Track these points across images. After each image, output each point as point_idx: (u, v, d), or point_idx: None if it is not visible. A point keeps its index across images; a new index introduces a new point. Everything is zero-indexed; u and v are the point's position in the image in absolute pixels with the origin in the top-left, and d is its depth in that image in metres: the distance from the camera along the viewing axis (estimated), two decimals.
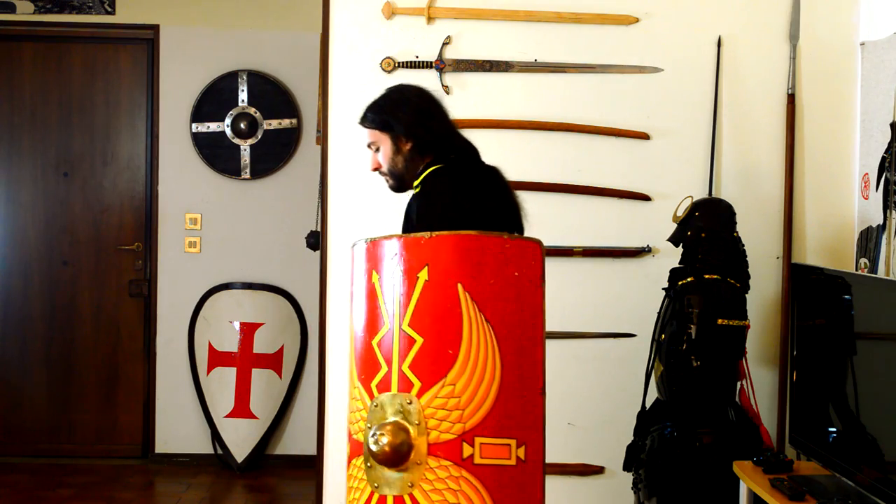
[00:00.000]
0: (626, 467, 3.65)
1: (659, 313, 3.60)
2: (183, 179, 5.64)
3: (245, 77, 5.58)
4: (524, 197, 3.89)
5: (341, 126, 3.94)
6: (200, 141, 5.59)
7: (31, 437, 5.70)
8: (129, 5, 5.59)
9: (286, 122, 5.61)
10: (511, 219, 2.95)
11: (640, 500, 3.59)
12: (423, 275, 2.57)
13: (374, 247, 2.62)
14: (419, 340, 2.57)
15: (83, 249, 5.70)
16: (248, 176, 5.62)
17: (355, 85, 3.94)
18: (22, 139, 5.68)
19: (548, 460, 3.96)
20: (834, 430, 3.30)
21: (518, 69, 3.93)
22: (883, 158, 3.62)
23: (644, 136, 3.94)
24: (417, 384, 2.56)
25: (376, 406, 2.58)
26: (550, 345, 3.93)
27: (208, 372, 5.54)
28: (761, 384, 3.81)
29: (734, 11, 3.94)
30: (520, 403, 2.55)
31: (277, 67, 5.61)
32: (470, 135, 3.91)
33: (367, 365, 2.62)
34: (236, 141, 5.59)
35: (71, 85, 5.68)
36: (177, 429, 5.65)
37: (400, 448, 2.54)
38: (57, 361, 5.69)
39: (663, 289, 3.59)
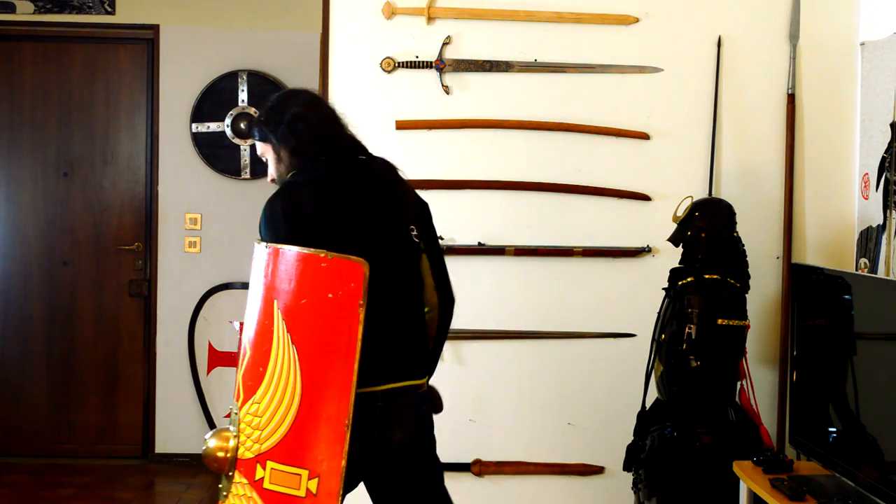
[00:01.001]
0: (626, 467, 3.65)
1: (659, 313, 3.60)
2: (183, 179, 5.63)
3: (245, 77, 5.57)
4: (524, 197, 3.94)
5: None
6: (200, 141, 5.59)
7: (31, 437, 5.70)
8: (129, 5, 5.59)
9: None
10: (386, 227, 2.71)
11: (640, 500, 3.59)
12: (258, 287, 2.53)
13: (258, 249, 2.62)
14: (248, 352, 2.54)
15: (83, 249, 5.70)
16: (248, 176, 5.61)
17: (355, 85, 3.94)
18: (22, 139, 5.68)
19: (548, 460, 4.01)
20: (834, 430, 3.30)
21: (518, 69, 3.93)
22: (883, 158, 3.62)
23: (644, 136, 3.94)
24: (242, 396, 2.53)
25: (231, 409, 2.58)
26: (550, 345, 3.97)
27: (208, 372, 5.53)
28: (761, 384, 3.81)
29: (734, 11, 3.94)
30: (318, 434, 2.42)
31: (277, 67, 5.61)
32: (470, 135, 3.95)
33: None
34: (236, 141, 5.59)
35: (71, 85, 5.68)
36: (177, 429, 5.65)
37: (216, 455, 2.54)
38: (57, 361, 5.69)
39: (663, 289, 3.59)
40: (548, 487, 4.01)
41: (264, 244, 2.57)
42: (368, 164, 2.80)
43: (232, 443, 2.53)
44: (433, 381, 2.94)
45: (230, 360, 5.53)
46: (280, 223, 2.63)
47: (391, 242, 2.69)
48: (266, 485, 2.45)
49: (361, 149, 2.83)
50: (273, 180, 2.84)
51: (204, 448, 2.57)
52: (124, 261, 5.70)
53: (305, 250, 2.46)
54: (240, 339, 2.62)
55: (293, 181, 2.73)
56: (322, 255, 2.43)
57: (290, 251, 2.48)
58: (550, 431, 4.00)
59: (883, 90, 3.65)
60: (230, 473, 2.55)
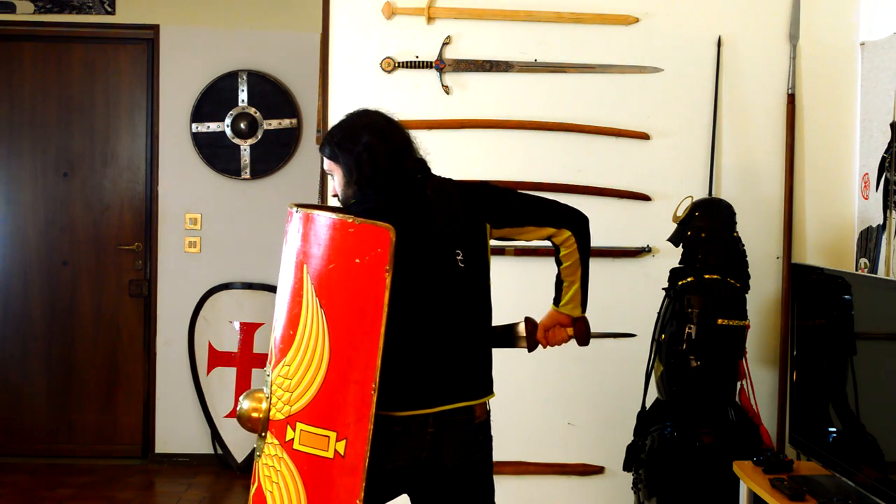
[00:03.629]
0: (626, 467, 3.65)
1: (659, 313, 3.60)
2: (183, 179, 5.64)
3: (245, 77, 5.57)
4: None
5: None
6: (200, 141, 5.60)
7: (31, 437, 5.70)
8: (129, 5, 5.59)
9: (286, 122, 5.61)
10: (429, 255, 2.70)
11: (640, 500, 3.59)
12: (292, 252, 2.58)
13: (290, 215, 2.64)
14: (283, 316, 2.57)
15: (83, 249, 5.70)
16: (248, 176, 5.62)
17: (355, 85, 3.94)
18: (22, 139, 5.68)
19: (548, 460, 4.00)
20: (834, 430, 3.30)
21: (518, 69, 3.93)
22: (883, 158, 3.62)
23: (644, 136, 3.94)
24: (274, 359, 2.57)
25: (266, 370, 2.62)
26: None
27: (208, 372, 5.54)
28: (761, 384, 3.81)
29: (734, 11, 3.94)
30: (345, 397, 2.45)
31: (277, 67, 5.61)
32: (470, 135, 3.95)
33: None
34: (236, 141, 5.59)
35: (71, 85, 5.68)
36: (177, 429, 5.65)
37: (250, 415, 2.57)
38: (57, 361, 5.69)
39: (663, 289, 3.59)
40: (548, 487, 4.00)
41: (296, 208, 2.60)
42: (423, 189, 2.77)
43: (265, 404, 2.56)
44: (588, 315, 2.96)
45: (230, 360, 5.54)
46: None
47: (435, 270, 2.67)
48: (296, 445, 2.49)
49: (423, 169, 2.81)
50: (336, 195, 2.82)
51: (239, 409, 2.61)
52: (124, 261, 5.71)
53: (335, 215, 2.50)
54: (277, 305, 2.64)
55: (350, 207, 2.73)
56: (350, 220, 2.46)
57: (322, 216, 2.51)
58: (550, 431, 4.00)
59: (883, 90, 3.65)
60: (263, 434, 2.58)
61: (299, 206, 2.63)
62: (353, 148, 2.73)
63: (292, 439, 2.49)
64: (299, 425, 2.49)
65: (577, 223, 2.85)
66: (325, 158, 2.83)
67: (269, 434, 2.56)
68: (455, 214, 2.78)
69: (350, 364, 2.45)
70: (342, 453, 2.45)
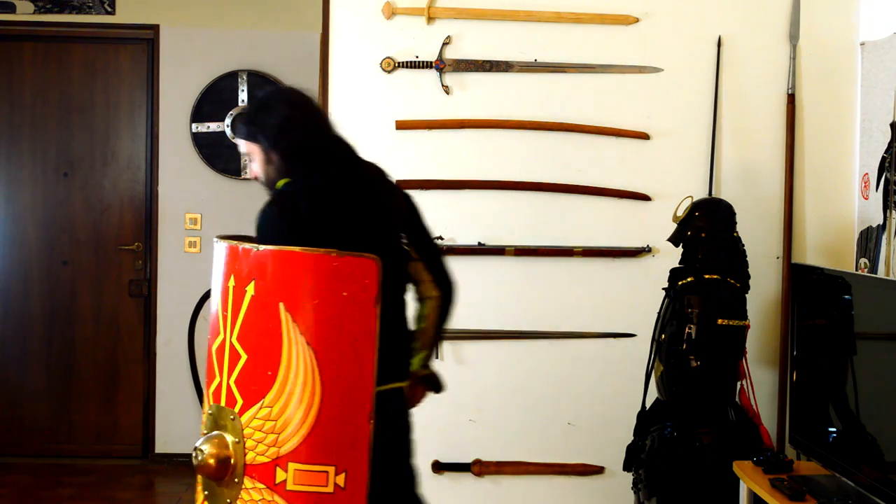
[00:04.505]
0: (626, 467, 3.65)
1: (659, 313, 3.59)
2: (183, 179, 5.63)
3: (245, 77, 5.57)
4: (524, 197, 3.94)
5: (341, 126, 3.93)
6: (200, 141, 5.59)
7: (31, 437, 5.70)
8: (129, 5, 5.59)
9: None
10: (378, 235, 2.73)
11: (640, 500, 3.59)
12: (251, 289, 2.47)
13: (230, 250, 2.53)
14: (244, 356, 2.47)
15: (83, 249, 5.70)
16: (248, 176, 5.61)
17: (355, 85, 3.94)
18: (22, 139, 5.68)
19: (548, 460, 4.00)
20: (834, 430, 3.30)
21: (518, 69, 3.93)
22: (883, 158, 3.62)
23: (644, 136, 3.94)
24: (240, 401, 2.47)
25: (210, 415, 2.54)
26: (550, 345, 3.97)
27: None
28: (761, 384, 3.81)
29: (734, 11, 3.94)
30: (341, 430, 2.41)
31: (277, 67, 5.61)
32: (470, 135, 3.95)
33: (209, 371, 2.55)
34: (236, 141, 5.59)
35: (71, 85, 5.68)
36: (177, 429, 5.65)
37: (217, 462, 2.49)
38: (57, 361, 5.69)
39: (663, 289, 3.59)
40: (548, 487, 4.01)
41: (258, 246, 2.52)
42: (361, 171, 2.79)
43: (232, 449, 2.50)
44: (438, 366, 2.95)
45: None
46: (279, 229, 2.62)
47: (383, 250, 2.62)
48: (290, 486, 2.42)
49: (351, 152, 2.81)
50: (256, 178, 2.82)
51: (199, 457, 2.52)
52: (124, 261, 5.70)
53: (314, 251, 2.44)
54: (210, 347, 2.56)
55: (288, 190, 2.71)
56: (333, 254, 2.41)
57: (298, 252, 2.45)
58: (550, 431, 4.00)
59: (883, 90, 3.65)
60: (236, 480, 2.50)
61: (240, 241, 2.56)
62: (270, 121, 2.71)
63: (284, 480, 2.43)
64: (291, 465, 2.42)
65: (451, 289, 2.87)
66: (241, 142, 2.79)
67: (246, 479, 2.48)
68: (401, 199, 2.84)
69: (344, 397, 2.41)
70: (343, 485, 2.41)
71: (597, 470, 3.99)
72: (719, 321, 3.42)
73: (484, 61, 3.93)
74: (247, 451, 2.47)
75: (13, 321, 5.69)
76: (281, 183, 2.74)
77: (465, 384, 3.96)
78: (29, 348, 5.69)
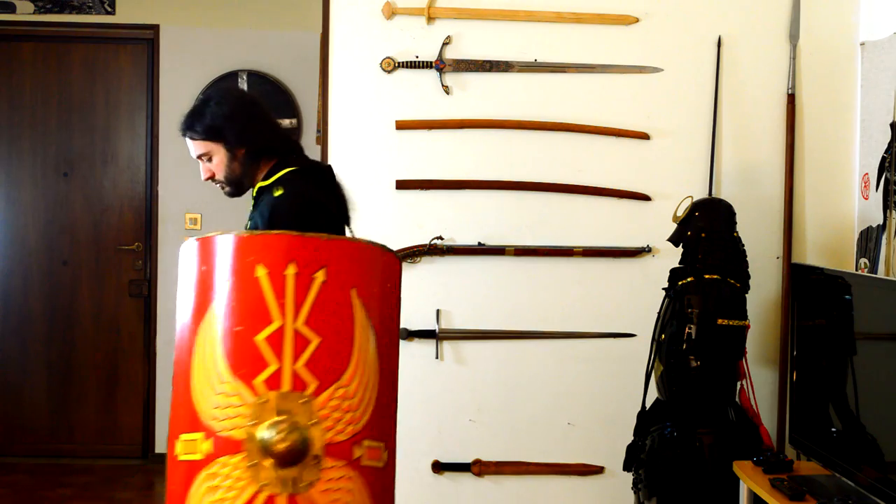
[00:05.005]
0: (626, 467, 3.65)
1: (659, 313, 3.59)
2: (183, 179, 5.63)
3: (245, 77, 5.58)
4: (524, 197, 3.94)
5: (341, 126, 3.94)
6: None
7: (31, 437, 5.70)
8: (129, 5, 5.60)
9: (286, 122, 5.61)
10: (346, 216, 2.96)
11: (640, 500, 3.59)
12: (321, 276, 2.53)
13: (254, 240, 2.58)
14: (315, 340, 2.52)
15: (83, 249, 5.70)
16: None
17: (355, 85, 3.94)
18: (22, 139, 5.68)
19: (548, 460, 4.00)
20: (834, 430, 3.30)
21: (518, 69, 3.93)
22: (883, 158, 3.62)
23: (644, 136, 3.94)
24: (314, 384, 2.51)
25: (264, 403, 2.50)
26: (550, 345, 3.97)
27: None
28: (761, 384, 3.81)
29: (734, 11, 3.94)
30: (388, 408, 2.59)
31: (277, 67, 5.62)
32: (470, 135, 3.95)
33: (249, 361, 2.52)
34: None
35: (71, 85, 5.68)
36: None
37: (300, 446, 2.50)
38: (57, 361, 5.69)
39: (663, 289, 3.59)
40: (548, 487, 4.01)
41: (326, 236, 2.63)
42: (329, 168, 2.99)
43: (309, 431, 2.53)
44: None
45: None
46: (329, 214, 2.81)
47: None
48: (364, 462, 2.55)
49: (300, 146, 3.00)
50: (210, 178, 2.84)
51: (282, 444, 2.50)
52: (124, 261, 5.71)
53: (374, 244, 2.62)
54: (242, 334, 2.57)
55: (302, 180, 2.81)
56: (384, 249, 2.61)
57: (364, 244, 2.64)
58: (550, 431, 4.00)
59: (883, 90, 3.65)
60: (314, 461, 2.53)
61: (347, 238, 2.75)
62: (235, 115, 2.78)
63: (360, 457, 2.54)
64: (365, 442, 2.54)
65: None
66: (195, 142, 2.80)
67: (327, 459, 2.53)
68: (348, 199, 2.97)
69: (390, 377, 2.60)
70: (387, 461, 2.58)
71: (597, 470, 3.99)
72: (719, 321, 3.42)
73: (484, 61, 3.93)
74: (325, 430, 2.53)
75: (13, 321, 5.70)
76: (285, 171, 2.81)
77: (465, 384, 3.96)
78: (29, 348, 5.70)
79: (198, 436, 2.53)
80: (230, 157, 2.80)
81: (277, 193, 2.81)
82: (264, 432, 2.48)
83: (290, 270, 2.52)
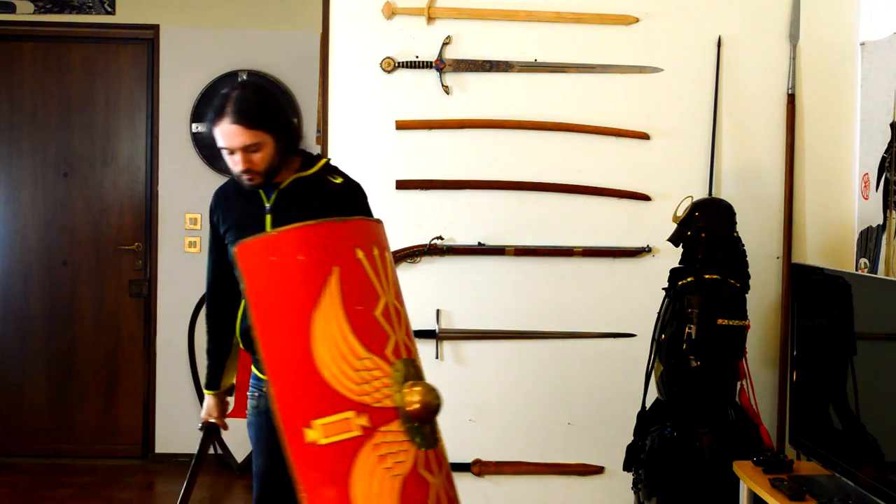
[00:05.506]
0: (626, 467, 3.65)
1: (659, 313, 3.59)
2: (183, 179, 5.63)
3: (245, 77, 5.57)
4: (524, 197, 3.95)
5: (341, 126, 3.94)
6: (200, 141, 5.59)
7: (31, 437, 5.70)
8: (129, 5, 5.59)
9: None
10: None
11: (640, 500, 3.59)
12: (388, 255, 2.78)
13: (349, 227, 2.71)
14: (403, 311, 2.75)
15: (83, 249, 5.70)
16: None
17: (355, 85, 3.94)
18: (22, 139, 5.68)
19: (548, 460, 4.01)
20: (834, 430, 3.30)
21: (518, 69, 3.93)
22: (883, 158, 3.62)
23: (644, 136, 3.94)
24: (413, 349, 2.75)
25: (397, 371, 2.65)
26: (550, 345, 3.97)
27: None
28: (761, 384, 3.82)
29: (734, 11, 3.94)
30: None
31: (277, 67, 5.61)
32: (470, 135, 3.96)
33: (375, 335, 2.65)
34: None
35: (71, 85, 5.68)
36: (177, 429, 5.64)
37: (437, 403, 2.73)
38: (57, 361, 5.69)
39: (663, 289, 3.59)
40: (548, 487, 4.01)
41: (376, 218, 2.86)
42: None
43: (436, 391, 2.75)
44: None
45: None
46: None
47: None
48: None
49: None
50: (249, 170, 2.84)
51: (434, 403, 2.71)
52: (124, 261, 5.70)
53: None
54: (364, 312, 2.70)
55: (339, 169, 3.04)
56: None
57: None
58: (550, 431, 4.00)
59: (883, 90, 3.65)
60: (437, 417, 2.76)
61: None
62: (282, 108, 2.94)
63: None
64: None
65: None
66: (246, 132, 2.80)
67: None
68: None
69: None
70: None
71: (597, 470, 3.99)
72: (719, 321, 3.42)
73: (484, 61, 3.93)
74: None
75: (13, 321, 5.69)
76: (324, 162, 3.00)
77: (465, 384, 3.96)
78: (29, 348, 5.69)
79: (348, 414, 2.58)
80: (276, 149, 2.84)
81: (338, 181, 2.96)
82: (409, 396, 2.65)
83: (375, 251, 2.70)
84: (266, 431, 2.99)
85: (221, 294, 3.09)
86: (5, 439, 5.68)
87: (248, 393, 3.20)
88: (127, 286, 5.70)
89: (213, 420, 3.35)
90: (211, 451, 5.56)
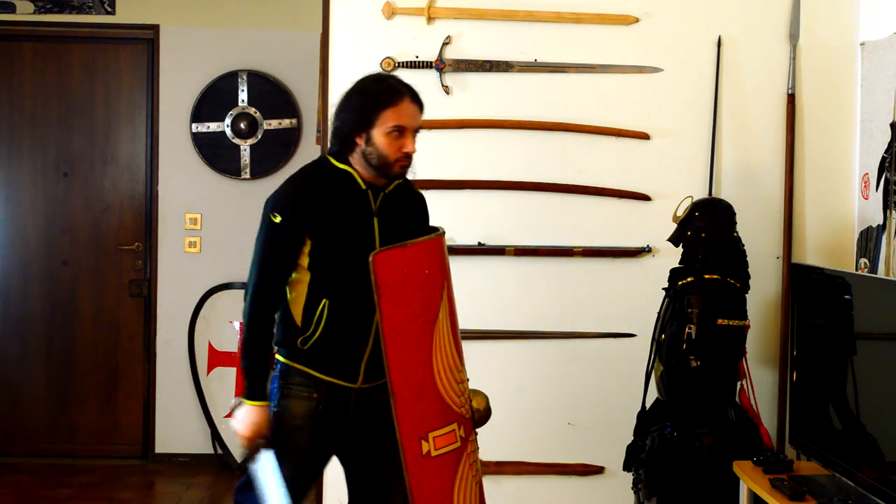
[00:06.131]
0: (626, 467, 3.65)
1: (659, 313, 3.59)
2: (183, 179, 5.63)
3: (245, 77, 5.57)
4: (524, 197, 3.95)
5: None
6: (200, 141, 5.59)
7: (31, 437, 5.70)
8: (129, 5, 5.59)
9: (286, 122, 5.61)
10: None
11: (640, 500, 3.59)
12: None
13: (444, 239, 2.98)
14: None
15: (83, 249, 5.69)
16: (248, 176, 5.61)
17: None
18: (22, 139, 5.68)
19: (548, 460, 4.01)
20: (834, 430, 3.30)
21: (518, 69, 3.93)
22: (883, 158, 3.62)
23: (644, 136, 3.94)
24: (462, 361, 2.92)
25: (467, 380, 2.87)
26: (550, 345, 3.97)
27: (208, 372, 5.53)
28: (761, 384, 3.81)
29: (734, 11, 3.94)
30: None
31: (277, 67, 5.61)
32: (470, 135, 3.96)
33: (461, 348, 2.85)
34: (236, 141, 5.59)
35: (71, 85, 5.67)
36: (177, 429, 5.64)
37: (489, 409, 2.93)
38: (57, 361, 5.69)
39: (663, 289, 3.59)
40: (548, 487, 4.01)
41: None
42: None
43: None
44: None
45: (230, 359, 5.53)
46: None
47: None
48: None
49: None
50: (412, 155, 2.90)
51: (485, 410, 2.90)
52: (124, 261, 5.70)
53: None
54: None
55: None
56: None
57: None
58: (550, 431, 4.00)
59: (883, 90, 3.65)
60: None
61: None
62: None
63: None
64: None
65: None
66: (420, 114, 2.91)
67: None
68: None
69: None
70: None
71: (597, 470, 3.99)
72: (719, 321, 3.42)
73: (484, 61, 3.93)
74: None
75: (13, 321, 5.69)
76: None
77: None
78: (29, 348, 5.69)
79: (453, 426, 2.73)
80: None
81: (418, 190, 3.07)
82: (475, 404, 2.85)
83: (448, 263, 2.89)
84: (317, 434, 2.92)
85: (278, 300, 2.91)
86: (5, 439, 5.68)
87: (289, 391, 2.92)
88: (127, 286, 5.70)
89: (262, 438, 2.92)
90: (211, 450, 5.59)
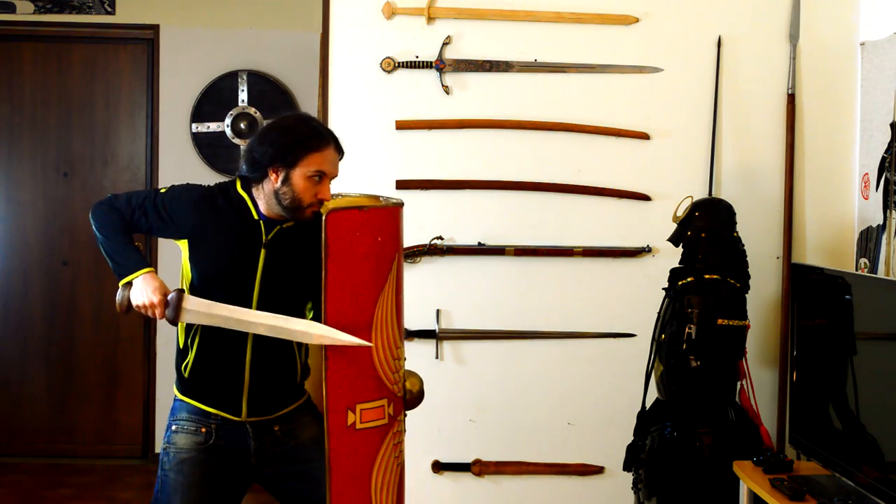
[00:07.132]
0: (626, 467, 3.65)
1: (659, 313, 3.60)
2: (183, 179, 5.57)
3: (245, 77, 5.57)
4: (524, 197, 3.95)
5: (341, 126, 3.94)
6: (200, 141, 5.59)
7: (31, 437, 5.70)
8: (129, 5, 5.59)
9: None
10: None
11: (640, 500, 3.59)
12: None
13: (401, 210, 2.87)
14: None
15: (83, 249, 5.69)
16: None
17: (355, 85, 3.94)
18: (22, 139, 5.68)
19: (548, 460, 4.01)
20: (834, 429, 3.30)
21: (518, 69, 3.93)
22: (883, 158, 3.62)
23: (644, 136, 3.94)
24: (403, 342, 2.82)
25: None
26: (550, 345, 3.97)
27: None
28: (761, 384, 3.81)
29: (734, 11, 3.94)
30: None
31: (277, 67, 5.61)
32: (470, 135, 3.97)
33: (402, 325, 2.76)
34: (236, 141, 5.59)
35: (71, 85, 5.68)
36: None
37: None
38: (57, 361, 5.69)
39: (663, 289, 3.59)
40: (548, 487, 4.01)
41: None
42: None
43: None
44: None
45: None
46: None
47: None
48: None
49: None
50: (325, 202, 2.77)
51: (418, 391, 2.79)
52: None
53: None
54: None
55: None
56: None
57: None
58: (550, 431, 4.00)
59: (883, 90, 3.65)
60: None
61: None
62: None
63: None
64: None
65: None
66: (338, 163, 2.82)
67: None
68: None
69: None
70: None
71: (597, 470, 3.99)
72: (719, 321, 3.42)
73: (484, 61, 3.93)
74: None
75: (13, 321, 5.69)
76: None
77: (464, 384, 3.96)
78: (29, 348, 5.69)
79: (383, 402, 2.64)
80: None
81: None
82: (409, 385, 2.76)
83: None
84: (208, 468, 2.81)
85: (124, 221, 2.99)
86: (5, 439, 5.68)
87: (177, 427, 2.86)
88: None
89: (170, 294, 2.80)
90: None
